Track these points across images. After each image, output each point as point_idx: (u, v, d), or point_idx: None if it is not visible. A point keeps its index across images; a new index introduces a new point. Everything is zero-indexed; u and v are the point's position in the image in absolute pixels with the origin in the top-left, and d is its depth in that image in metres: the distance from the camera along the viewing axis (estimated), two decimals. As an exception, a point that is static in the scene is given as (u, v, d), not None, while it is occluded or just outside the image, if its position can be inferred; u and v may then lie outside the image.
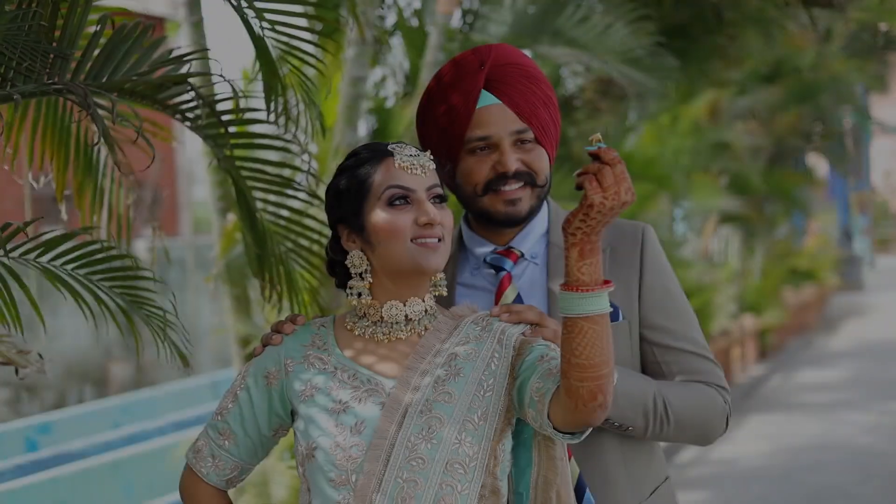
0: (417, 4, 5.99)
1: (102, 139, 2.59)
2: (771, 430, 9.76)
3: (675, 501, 2.67)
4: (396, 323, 2.35)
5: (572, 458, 2.47)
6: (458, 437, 2.23)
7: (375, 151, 2.36)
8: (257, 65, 3.24)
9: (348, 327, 2.39)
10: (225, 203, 5.04)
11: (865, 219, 26.22)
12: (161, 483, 6.97)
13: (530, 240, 2.60)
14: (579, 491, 2.47)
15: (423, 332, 2.36)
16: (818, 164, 20.73)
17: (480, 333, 2.33)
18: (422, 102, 2.62)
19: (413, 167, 2.32)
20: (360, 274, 2.35)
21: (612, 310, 2.09)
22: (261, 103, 3.23)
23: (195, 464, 2.42)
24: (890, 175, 34.91)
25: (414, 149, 2.36)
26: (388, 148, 2.35)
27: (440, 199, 2.34)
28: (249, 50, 5.40)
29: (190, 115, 3.18)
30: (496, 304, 2.54)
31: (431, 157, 2.36)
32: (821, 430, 9.79)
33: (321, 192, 3.53)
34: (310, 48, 3.39)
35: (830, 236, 22.34)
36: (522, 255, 2.59)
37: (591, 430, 2.18)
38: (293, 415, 2.37)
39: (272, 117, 3.24)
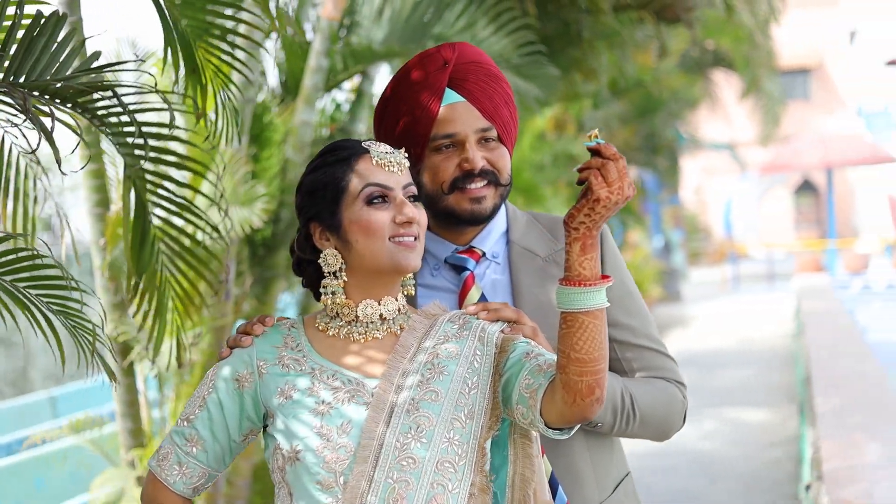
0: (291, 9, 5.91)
1: (47, 142, 2.50)
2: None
3: (636, 497, 2.69)
4: (372, 322, 2.31)
5: (545, 456, 2.46)
6: (448, 436, 2.21)
7: (350, 148, 2.32)
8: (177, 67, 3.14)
9: (320, 328, 2.34)
10: (102, 209, 4.87)
11: (681, 232, 27.07)
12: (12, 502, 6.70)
13: (491, 239, 2.60)
14: (552, 488, 2.47)
15: (398, 332, 2.33)
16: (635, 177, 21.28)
17: (459, 332, 2.31)
18: (381, 102, 2.60)
19: (390, 164, 2.29)
20: (334, 273, 2.31)
21: (608, 304, 2.10)
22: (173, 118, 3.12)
23: (160, 472, 2.33)
24: (700, 190, 36.13)
25: (387, 146, 2.33)
26: (364, 145, 2.32)
27: (414, 198, 2.32)
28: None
29: (108, 121, 3.07)
30: (460, 304, 2.52)
31: (406, 156, 2.33)
32: (661, 436, 10.01)
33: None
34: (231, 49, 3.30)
35: (646, 249, 22.95)
36: (484, 254, 2.58)
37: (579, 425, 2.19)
38: (265, 418, 2.31)
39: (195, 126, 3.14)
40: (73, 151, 2.65)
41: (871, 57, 35.40)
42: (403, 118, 2.51)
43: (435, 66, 2.52)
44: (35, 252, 2.88)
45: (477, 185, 2.50)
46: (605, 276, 2.09)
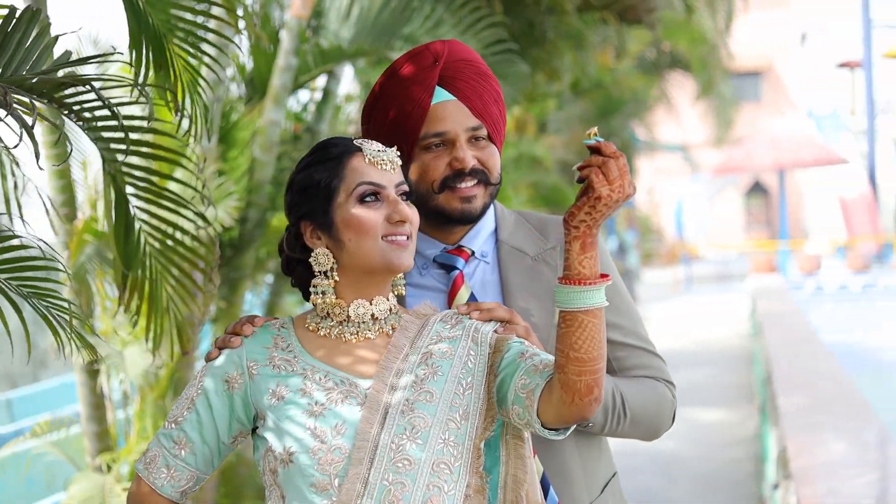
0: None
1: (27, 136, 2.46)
2: (574, 438, 9.95)
3: (622, 497, 2.68)
4: (364, 322, 2.28)
5: (536, 456, 2.44)
6: (443, 437, 2.18)
7: (343, 146, 2.29)
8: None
9: (310, 328, 2.31)
10: (69, 209, 4.80)
11: (635, 234, 27.19)
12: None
13: (480, 238, 2.57)
14: (543, 489, 2.45)
15: (390, 332, 2.30)
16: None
17: (451, 332, 2.29)
18: (369, 99, 2.57)
19: (383, 163, 2.27)
20: (325, 272, 2.28)
21: (607, 304, 2.08)
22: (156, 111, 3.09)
23: (147, 475, 2.29)
24: (652, 192, 36.31)
25: (380, 144, 2.31)
26: (356, 143, 2.29)
27: (406, 196, 2.30)
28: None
29: (85, 115, 3.03)
30: (450, 303, 2.50)
31: (398, 154, 2.31)
32: (622, 436, 10.05)
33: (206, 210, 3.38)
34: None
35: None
36: (473, 253, 2.55)
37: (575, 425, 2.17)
38: (256, 419, 2.27)
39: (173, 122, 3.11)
40: (57, 141, 2.60)
41: (821, 59, 35.75)
42: (393, 115, 2.48)
43: (425, 64, 2.50)
44: (11, 232, 2.84)
45: (467, 185, 2.48)
46: (603, 275, 2.07)
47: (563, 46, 7.41)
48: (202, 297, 4.04)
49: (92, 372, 4.99)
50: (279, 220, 5.34)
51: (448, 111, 2.47)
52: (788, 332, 10.86)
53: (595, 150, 2.04)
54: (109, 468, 4.80)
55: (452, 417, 2.20)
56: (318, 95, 6.42)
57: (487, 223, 2.59)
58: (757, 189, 37.80)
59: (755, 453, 9.28)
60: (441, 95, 2.48)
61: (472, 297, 2.51)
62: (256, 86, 5.64)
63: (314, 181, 2.27)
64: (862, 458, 5.23)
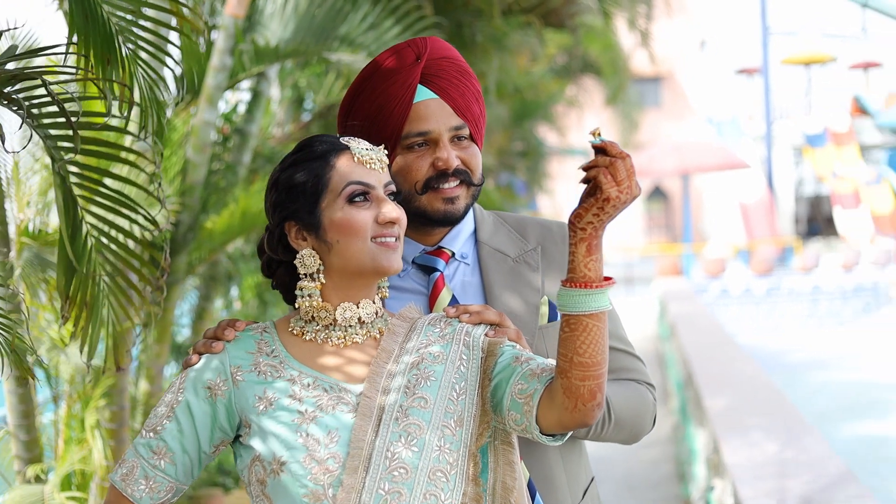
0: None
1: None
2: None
3: (600, 502, 2.65)
4: (351, 326, 2.22)
5: (522, 462, 2.40)
6: (439, 444, 2.12)
7: (330, 144, 2.23)
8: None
9: (295, 332, 2.23)
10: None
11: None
12: None
13: (460, 239, 2.52)
14: (529, 494, 2.40)
15: (377, 336, 2.24)
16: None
17: (441, 335, 2.23)
18: (347, 98, 2.50)
19: (372, 161, 2.21)
20: (311, 274, 2.21)
21: (611, 307, 2.05)
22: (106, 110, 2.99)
23: (125, 487, 2.19)
24: (553, 196, 36.46)
25: (367, 143, 2.24)
26: (343, 141, 2.22)
27: (394, 196, 2.24)
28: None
29: (34, 111, 2.92)
30: (431, 305, 2.44)
31: (386, 153, 2.25)
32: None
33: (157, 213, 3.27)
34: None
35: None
36: (454, 254, 2.50)
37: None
38: (240, 427, 2.19)
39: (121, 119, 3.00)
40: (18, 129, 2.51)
41: (720, 65, 36.33)
42: (374, 113, 2.42)
43: (407, 61, 2.43)
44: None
45: (450, 185, 2.42)
46: (607, 278, 2.03)
47: (490, 49, 7.39)
48: (142, 303, 3.94)
49: (21, 379, 4.82)
50: (212, 223, 5.22)
51: (431, 110, 2.41)
52: (703, 334, 10.98)
53: (600, 150, 2.00)
54: (40, 478, 4.65)
55: (447, 424, 2.14)
56: (244, 96, 6.32)
57: (467, 224, 2.54)
58: (657, 193, 38.26)
59: (674, 454, 9.35)
60: (423, 94, 2.42)
61: (454, 300, 2.46)
62: (189, 85, 5.51)
63: (300, 180, 2.20)
64: (796, 458, 5.28)
